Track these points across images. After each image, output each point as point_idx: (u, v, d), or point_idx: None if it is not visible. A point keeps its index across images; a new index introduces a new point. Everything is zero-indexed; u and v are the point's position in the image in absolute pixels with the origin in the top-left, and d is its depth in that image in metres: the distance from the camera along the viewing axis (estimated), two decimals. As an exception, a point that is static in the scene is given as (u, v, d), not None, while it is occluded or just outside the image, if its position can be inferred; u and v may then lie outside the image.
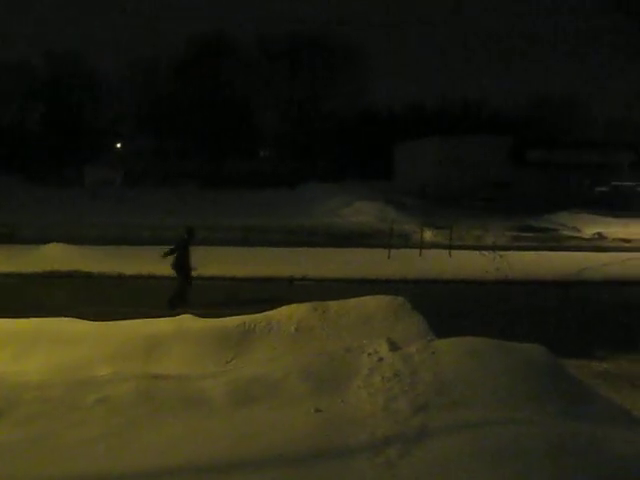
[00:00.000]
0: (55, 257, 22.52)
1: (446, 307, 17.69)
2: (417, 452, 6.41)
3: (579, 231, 35.69)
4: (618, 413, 8.06)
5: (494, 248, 26.87)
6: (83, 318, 12.24)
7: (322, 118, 77.23)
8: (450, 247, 25.48)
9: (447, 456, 6.28)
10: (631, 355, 13.60)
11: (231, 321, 11.50)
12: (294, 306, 11.91)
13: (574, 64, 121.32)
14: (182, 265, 16.97)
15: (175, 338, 10.81)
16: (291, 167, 71.56)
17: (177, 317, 11.95)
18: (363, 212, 38.60)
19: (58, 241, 24.56)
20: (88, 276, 21.06)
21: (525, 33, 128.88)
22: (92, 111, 79.32)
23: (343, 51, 75.03)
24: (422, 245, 26.01)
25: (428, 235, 30.78)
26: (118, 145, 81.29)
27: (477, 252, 25.48)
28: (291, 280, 21.11)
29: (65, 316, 12.27)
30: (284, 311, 11.78)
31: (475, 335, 9.38)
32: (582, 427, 6.92)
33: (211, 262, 22.77)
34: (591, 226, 36.21)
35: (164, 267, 21.77)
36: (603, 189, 46.70)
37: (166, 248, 17.18)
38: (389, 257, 24.22)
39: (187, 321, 11.60)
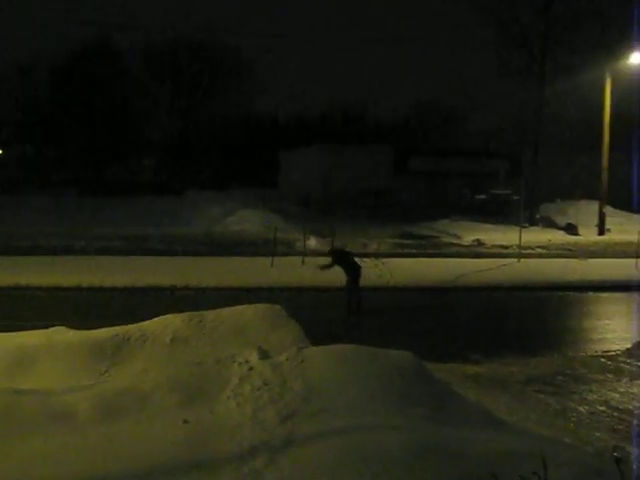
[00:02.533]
0: None
1: (325, 314, 17.91)
2: (283, 461, 6.43)
3: (459, 238, 36.61)
4: (482, 415, 8.32)
5: (376, 255, 27.24)
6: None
7: (206, 126, 76.60)
8: (332, 255, 25.65)
9: (313, 463, 6.34)
10: (503, 358, 14.03)
11: (104, 332, 11.22)
12: (170, 316, 11.75)
13: (453, 74, 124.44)
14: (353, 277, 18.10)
15: (45, 351, 10.48)
16: (175, 175, 70.75)
17: (48, 329, 11.61)
18: (247, 220, 38.53)
19: None
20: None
21: (406, 44, 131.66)
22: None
23: (227, 59, 74.65)
24: (305, 253, 26.14)
25: (312, 243, 31.00)
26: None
27: (359, 259, 25.74)
28: (172, 289, 20.91)
29: None
30: (159, 322, 11.60)
31: (350, 342, 9.50)
32: (445, 430, 7.10)
33: (89, 271, 22.36)
34: (470, 233, 37.21)
35: (42, 277, 21.28)
36: (482, 197, 48.03)
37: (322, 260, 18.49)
38: (272, 265, 24.27)
39: (58, 333, 11.27)
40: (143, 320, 11.78)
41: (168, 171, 74.39)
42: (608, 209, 41.42)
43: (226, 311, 11.90)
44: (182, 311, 12.16)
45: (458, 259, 28.57)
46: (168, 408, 7.60)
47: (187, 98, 76.48)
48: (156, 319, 11.76)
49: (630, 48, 39.17)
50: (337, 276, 22.89)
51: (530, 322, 18.55)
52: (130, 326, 11.46)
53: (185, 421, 7.26)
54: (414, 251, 31.78)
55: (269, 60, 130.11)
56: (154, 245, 30.82)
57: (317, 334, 11.97)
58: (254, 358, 8.53)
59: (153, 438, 6.97)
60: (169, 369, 8.86)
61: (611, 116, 40.44)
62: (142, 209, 43.14)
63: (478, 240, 35.73)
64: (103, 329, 11.51)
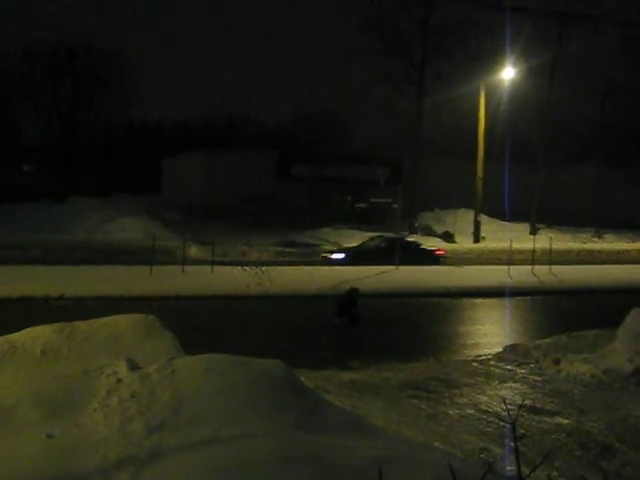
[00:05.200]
0: None
1: (203, 324, 17.82)
2: (149, 473, 6.34)
3: (340, 246, 36.95)
4: (353, 422, 8.41)
5: (256, 263, 27.29)
6: None
7: (88, 130, 74.92)
8: (213, 263, 25.58)
9: (179, 475, 6.27)
10: (380, 364, 14.27)
11: (-30, 346, 10.84)
12: (40, 328, 11.41)
13: (336, 82, 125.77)
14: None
15: None
16: (56, 181, 68.78)
17: None
18: (128, 228, 37.95)
19: None
20: None
21: (293, 49, 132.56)
22: None
23: (109, 61, 73.15)
24: (185, 261, 25.93)
25: (194, 251, 30.83)
26: None
27: (240, 267, 25.76)
28: (47, 300, 20.33)
29: None
30: (29, 333, 11.24)
31: (225, 351, 9.45)
32: (313, 438, 7.16)
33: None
34: (351, 241, 37.61)
35: None
36: (362, 205, 48.60)
37: None
38: (151, 274, 23.96)
39: None
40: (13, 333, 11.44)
41: (50, 177, 72.18)
42: (483, 217, 42.70)
43: (99, 322, 11.65)
44: (56, 322, 11.86)
45: (338, 267, 28.86)
46: (32, 423, 7.39)
47: (68, 102, 74.53)
48: (26, 330, 11.38)
49: (503, 62, 40.53)
50: (221, 285, 22.87)
51: (407, 328, 18.95)
52: (-2, 339, 11.11)
53: (49, 436, 7.07)
54: (295, 259, 32.00)
55: (153, 65, 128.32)
56: (31, 253, 29.95)
57: (194, 343, 11.89)
58: (123, 369, 8.40)
59: (15, 454, 6.76)
60: (35, 382, 8.63)
61: (487, 126, 41.68)
62: (20, 216, 41.79)
63: (359, 248, 36.12)
64: (-32, 343, 11.10)
